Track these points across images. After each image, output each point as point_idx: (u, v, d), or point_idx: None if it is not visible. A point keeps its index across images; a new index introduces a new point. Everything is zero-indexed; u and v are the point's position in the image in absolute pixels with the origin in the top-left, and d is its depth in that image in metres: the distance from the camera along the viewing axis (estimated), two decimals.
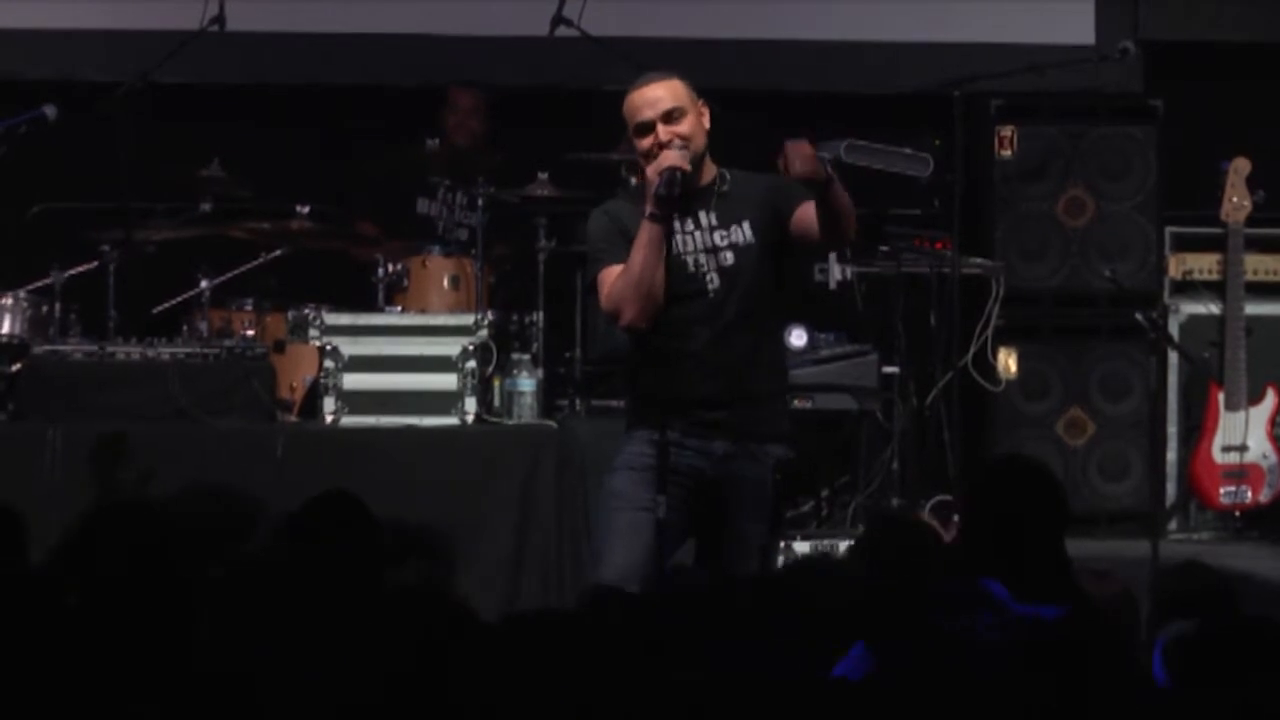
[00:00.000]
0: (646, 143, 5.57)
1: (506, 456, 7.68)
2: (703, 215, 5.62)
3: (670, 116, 5.58)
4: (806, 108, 8.75)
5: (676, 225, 5.58)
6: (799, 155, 5.29)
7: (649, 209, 5.46)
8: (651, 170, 5.51)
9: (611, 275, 5.55)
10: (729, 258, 5.61)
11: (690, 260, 5.60)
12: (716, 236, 5.62)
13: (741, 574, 5.32)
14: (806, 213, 5.54)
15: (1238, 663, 3.38)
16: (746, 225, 5.62)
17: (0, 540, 3.83)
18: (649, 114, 5.59)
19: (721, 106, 5.67)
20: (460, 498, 7.52)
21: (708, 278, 5.60)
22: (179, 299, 8.20)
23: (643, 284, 5.47)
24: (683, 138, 5.54)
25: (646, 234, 5.47)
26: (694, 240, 5.61)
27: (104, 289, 8.09)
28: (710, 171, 5.68)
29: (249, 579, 3.46)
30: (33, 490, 7.15)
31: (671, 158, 5.49)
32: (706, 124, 5.65)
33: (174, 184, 8.43)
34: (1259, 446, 8.55)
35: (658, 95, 5.60)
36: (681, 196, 5.48)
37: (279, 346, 8.07)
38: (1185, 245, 8.79)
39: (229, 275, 8.22)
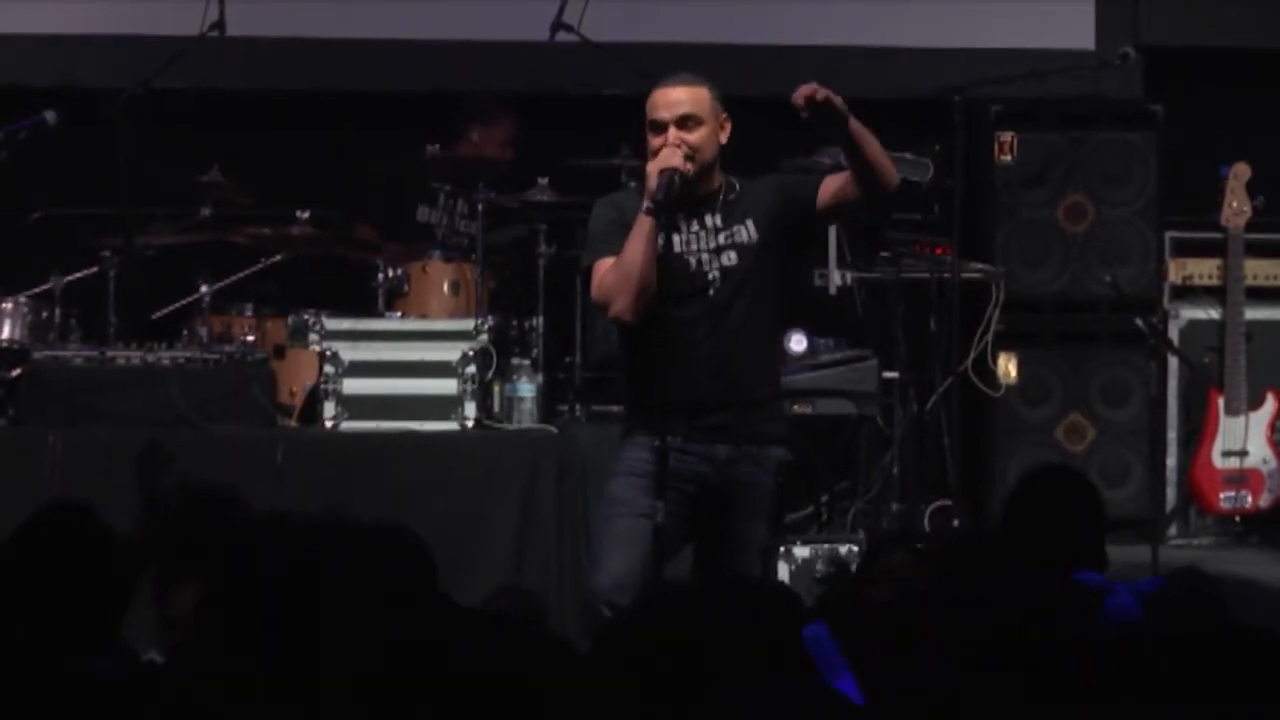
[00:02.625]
0: (657, 142, 5.58)
1: (506, 462, 7.68)
2: (708, 217, 5.64)
3: (685, 122, 5.58)
4: None
5: (681, 225, 5.59)
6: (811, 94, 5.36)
7: (644, 203, 5.48)
8: (651, 168, 5.52)
9: (605, 265, 5.56)
10: (732, 257, 5.62)
11: (693, 259, 5.61)
12: (721, 237, 5.63)
13: (744, 577, 5.31)
14: (832, 183, 5.57)
15: None
16: (750, 224, 5.63)
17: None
18: (664, 114, 5.59)
19: (741, 114, 5.67)
20: (460, 503, 7.51)
21: (710, 276, 5.61)
22: (179, 304, 8.20)
23: (633, 276, 5.47)
24: (691, 146, 5.54)
25: (641, 226, 5.48)
26: (698, 240, 5.62)
27: (104, 294, 8.09)
28: (718, 179, 5.68)
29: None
30: (33, 495, 7.13)
31: (672, 159, 5.49)
32: (724, 138, 5.64)
33: (174, 189, 8.42)
34: (1259, 451, 8.55)
35: (679, 98, 5.61)
36: (678, 200, 5.48)
37: (279, 352, 8.07)
38: (1185, 250, 8.79)
39: (229, 280, 8.22)
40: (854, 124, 5.47)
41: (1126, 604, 3.80)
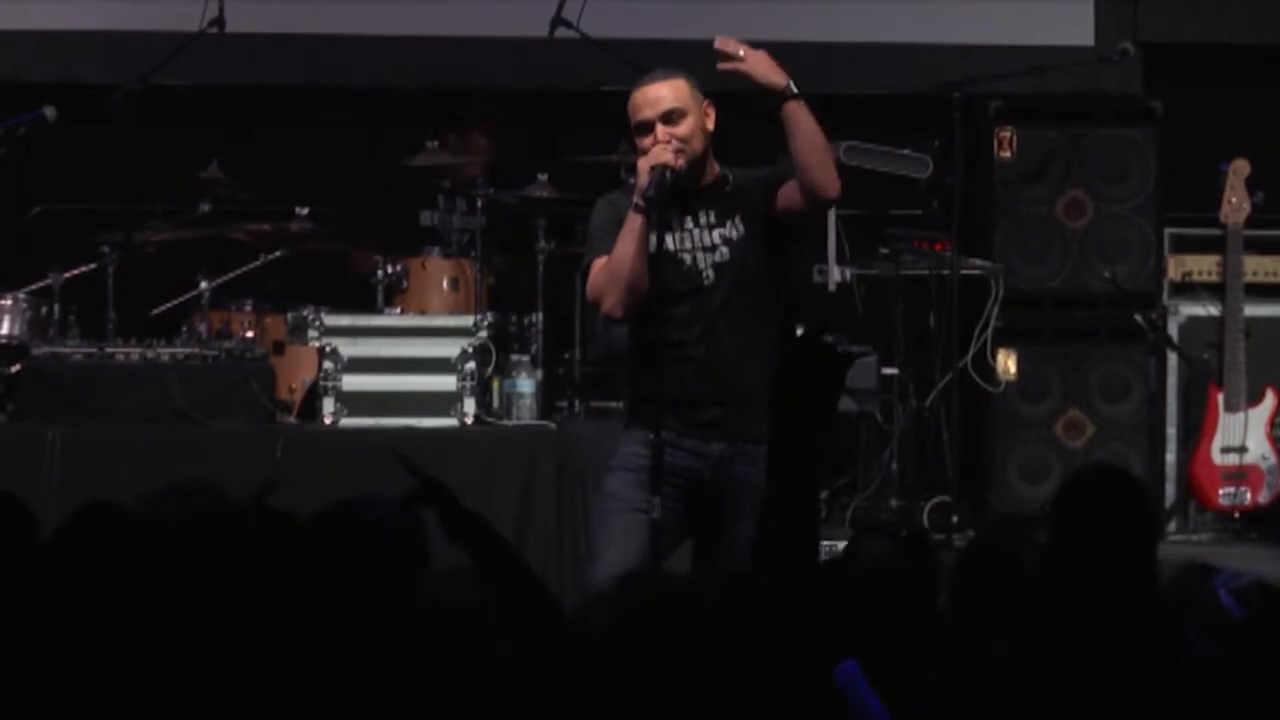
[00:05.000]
0: (646, 142, 5.56)
1: (505, 458, 7.68)
2: (702, 214, 5.62)
3: (670, 117, 5.56)
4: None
5: (675, 223, 5.58)
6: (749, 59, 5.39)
7: (634, 200, 5.47)
8: (642, 165, 5.50)
9: (601, 264, 5.57)
10: (725, 253, 5.60)
11: (688, 257, 5.60)
12: (715, 234, 5.62)
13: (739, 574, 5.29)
14: (790, 185, 5.55)
15: None
16: (740, 219, 5.61)
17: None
18: (649, 113, 5.57)
19: (721, 108, 5.67)
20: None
21: (704, 274, 5.59)
22: (178, 301, 8.21)
23: (622, 274, 5.46)
24: (680, 139, 5.53)
25: (630, 224, 5.47)
26: (692, 238, 5.61)
27: (103, 290, 8.10)
28: (713, 171, 5.67)
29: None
30: (32, 492, 7.15)
31: (663, 155, 5.48)
32: (710, 125, 5.63)
33: (173, 186, 8.43)
34: (1258, 448, 8.55)
35: (659, 95, 5.59)
36: (671, 195, 5.47)
37: (278, 348, 8.08)
38: (1184, 247, 8.79)
39: (228, 277, 8.22)
40: (790, 108, 5.42)
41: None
